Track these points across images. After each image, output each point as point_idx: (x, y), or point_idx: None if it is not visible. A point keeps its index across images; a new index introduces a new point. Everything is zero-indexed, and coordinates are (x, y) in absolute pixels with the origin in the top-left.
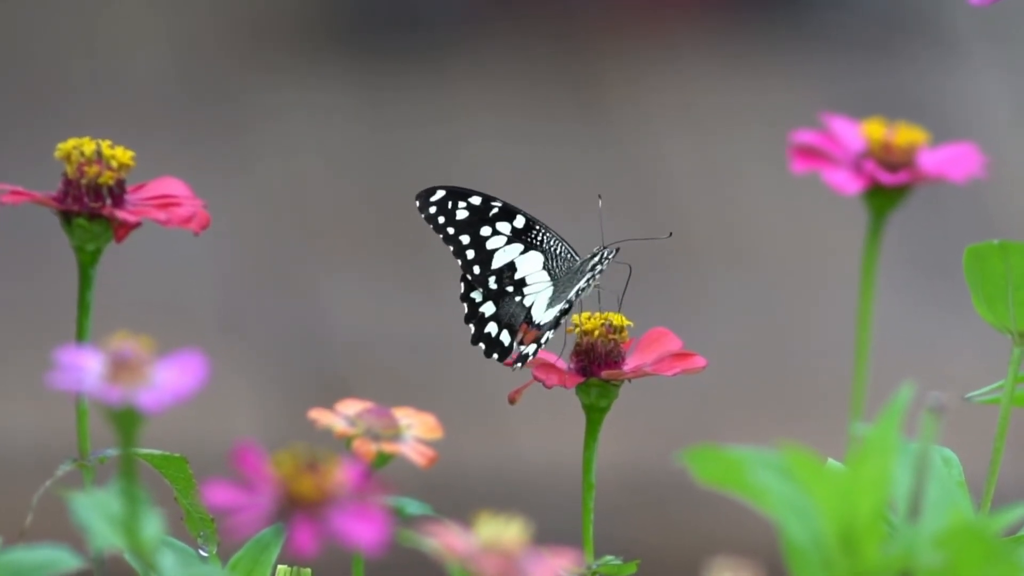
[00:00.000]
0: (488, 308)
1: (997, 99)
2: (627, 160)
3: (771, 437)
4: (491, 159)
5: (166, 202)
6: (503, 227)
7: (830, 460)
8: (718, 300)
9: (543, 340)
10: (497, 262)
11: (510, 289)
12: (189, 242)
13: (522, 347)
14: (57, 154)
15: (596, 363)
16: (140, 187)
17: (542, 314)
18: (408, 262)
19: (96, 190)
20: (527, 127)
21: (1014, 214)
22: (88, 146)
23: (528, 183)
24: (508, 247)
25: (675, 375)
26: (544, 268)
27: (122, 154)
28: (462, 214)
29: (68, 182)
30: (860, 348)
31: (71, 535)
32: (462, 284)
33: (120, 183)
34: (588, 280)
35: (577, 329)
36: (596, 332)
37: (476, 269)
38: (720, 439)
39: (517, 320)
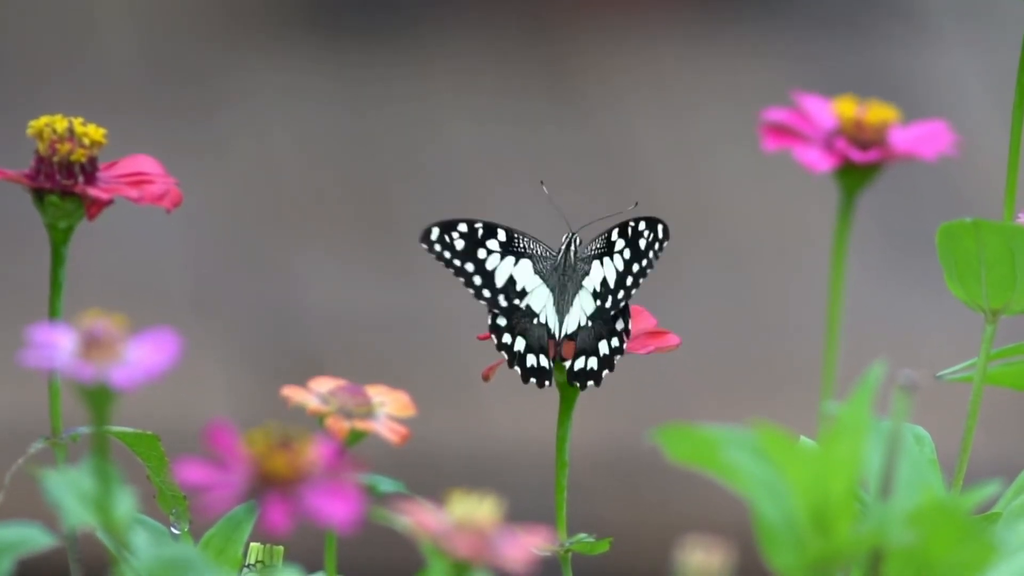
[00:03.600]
0: (520, 344)
1: (968, 77)
2: (599, 140)
3: (744, 416)
4: (464, 140)
5: (138, 180)
6: (492, 244)
7: (802, 439)
8: (690, 279)
9: (614, 354)
10: (499, 280)
11: (517, 302)
12: (162, 220)
13: (566, 363)
14: (29, 131)
15: None
16: (112, 165)
17: (555, 323)
18: (381, 241)
19: (68, 167)
20: (500, 108)
21: (986, 192)
22: (60, 123)
23: (501, 164)
24: (503, 263)
25: (649, 353)
26: (535, 272)
27: (94, 131)
28: (459, 244)
29: (40, 159)
30: (831, 326)
31: (43, 513)
32: (493, 336)
33: (92, 160)
34: (635, 278)
35: None
36: None
37: (486, 293)
38: (693, 418)
39: (545, 341)
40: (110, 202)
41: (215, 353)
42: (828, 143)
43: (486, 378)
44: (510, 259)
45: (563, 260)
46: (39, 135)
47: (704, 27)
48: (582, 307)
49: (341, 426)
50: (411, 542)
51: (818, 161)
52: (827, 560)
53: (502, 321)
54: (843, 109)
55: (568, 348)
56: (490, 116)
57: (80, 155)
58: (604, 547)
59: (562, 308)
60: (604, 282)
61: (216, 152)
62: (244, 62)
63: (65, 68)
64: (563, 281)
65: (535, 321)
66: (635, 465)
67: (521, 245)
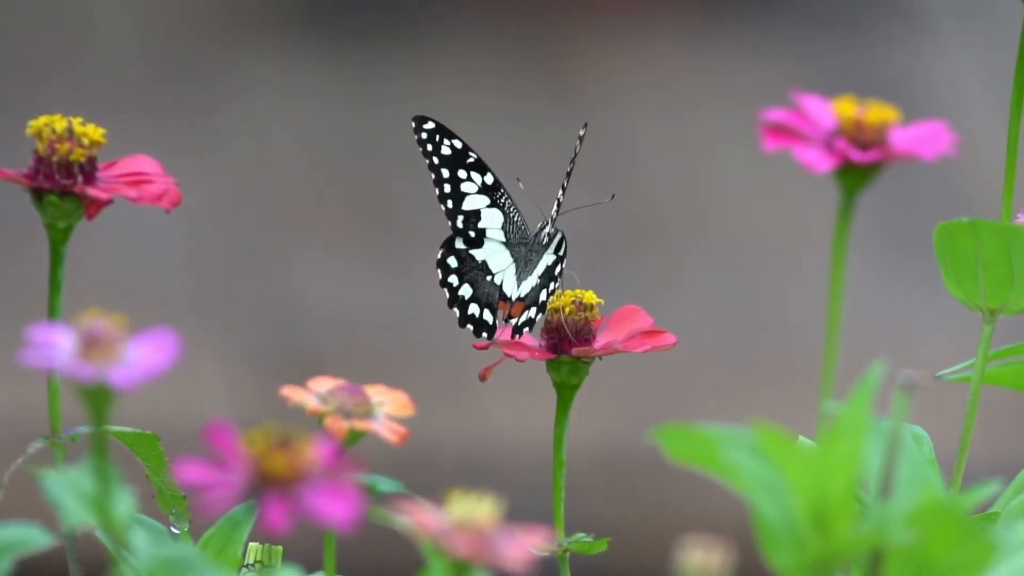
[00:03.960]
0: (466, 291)
1: (967, 77)
2: (598, 139)
3: (743, 415)
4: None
5: (137, 179)
6: (476, 177)
7: (802, 438)
8: (689, 278)
9: (532, 317)
10: (467, 205)
11: (472, 235)
12: (161, 220)
13: (512, 320)
14: (28, 131)
15: (567, 340)
16: (111, 164)
17: (515, 289)
18: (380, 241)
19: (67, 167)
20: (500, 107)
21: (984, 192)
22: (59, 123)
23: (500, 162)
24: (477, 196)
25: (645, 352)
26: (502, 228)
27: (93, 131)
28: (445, 151)
29: (39, 159)
30: (831, 326)
31: (43, 513)
32: (439, 271)
33: (91, 160)
34: (557, 263)
35: (548, 307)
36: (567, 309)
37: (449, 203)
38: (692, 417)
39: (493, 299)
40: (109, 202)
41: (214, 353)
42: (828, 143)
43: (483, 378)
44: (485, 199)
45: (533, 239)
46: (38, 135)
47: (704, 27)
48: (530, 283)
49: (340, 426)
50: (410, 542)
51: (818, 161)
52: (827, 560)
53: (452, 262)
54: (843, 109)
55: (517, 308)
56: (490, 116)
57: (79, 155)
58: (602, 547)
59: (520, 278)
60: (547, 269)
61: (216, 152)
62: (243, 62)
63: (64, 67)
64: (528, 255)
65: (488, 278)
66: (634, 464)
67: (502, 200)
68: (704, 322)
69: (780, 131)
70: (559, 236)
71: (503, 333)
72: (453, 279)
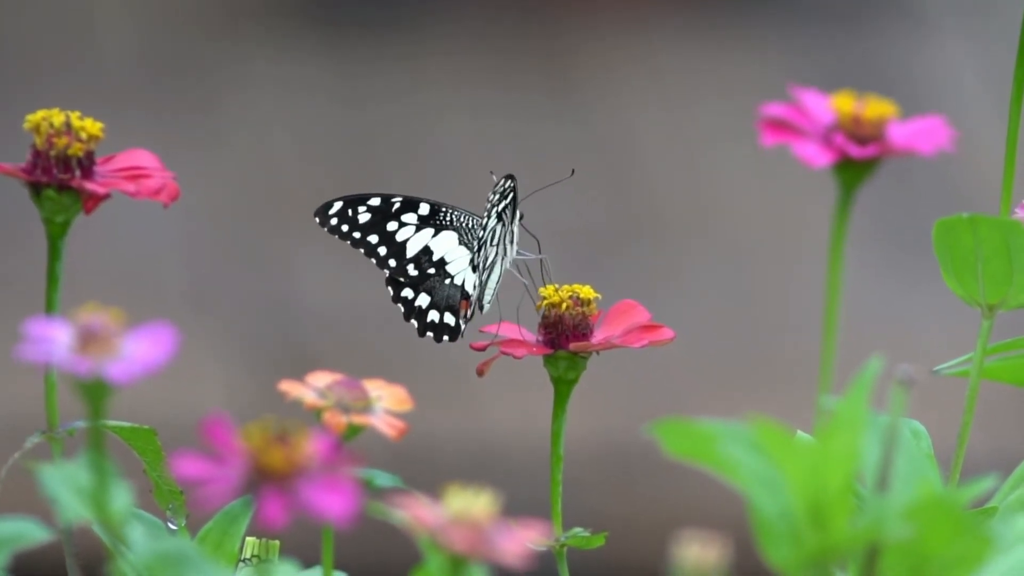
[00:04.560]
0: (423, 300)
1: (965, 72)
2: (597, 133)
3: (740, 410)
4: (462, 133)
5: (135, 174)
6: (409, 218)
7: (799, 433)
8: (687, 273)
9: (474, 309)
10: (411, 250)
11: (431, 271)
12: (159, 215)
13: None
14: (26, 125)
15: (564, 335)
16: (109, 159)
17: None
18: None
19: (65, 161)
20: (498, 101)
21: (983, 187)
22: (57, 117)
23: (498, 157)
24: (418, 235)
25: (643, 347)
26: (461, 243)
27: (91, 125)
28: (364, 217)
29: (37, 153)
30: (829, 321)
31: (40, 507)
32: (389, 288)
33: (89, 154)
34: (499, 247)
35: (545, 302)
36: (564, 304)
37: (392, 263)
38: (689, 412)
39: (455, 300)
40: (107, 196)
41: (212, 348)
42: (826, 138)
43: (481, 373)
44: (428, 231)
45: (479, 239)
46: (36, 129)
47: (702, 21)
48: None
49: (338, 420)
50: (408, 536)
51: (816, 156)
52: (824, 554)
53: (408, 294)
54: (841, 104)
55: (464, 304)
56: (488, 110)
57: (77, 149)
58: (599, 541)
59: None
60: (483, 261)
61: (213, 146)
62: (242, 56)
63: (63, 62)
64: (483, 253)
65: (448, 281)
66: (631, 459)
67: (447, 219)
68: (702, 317)
69: (778, 126)
70: (492, 224)
71: (505, 329)
72: (407, 293)
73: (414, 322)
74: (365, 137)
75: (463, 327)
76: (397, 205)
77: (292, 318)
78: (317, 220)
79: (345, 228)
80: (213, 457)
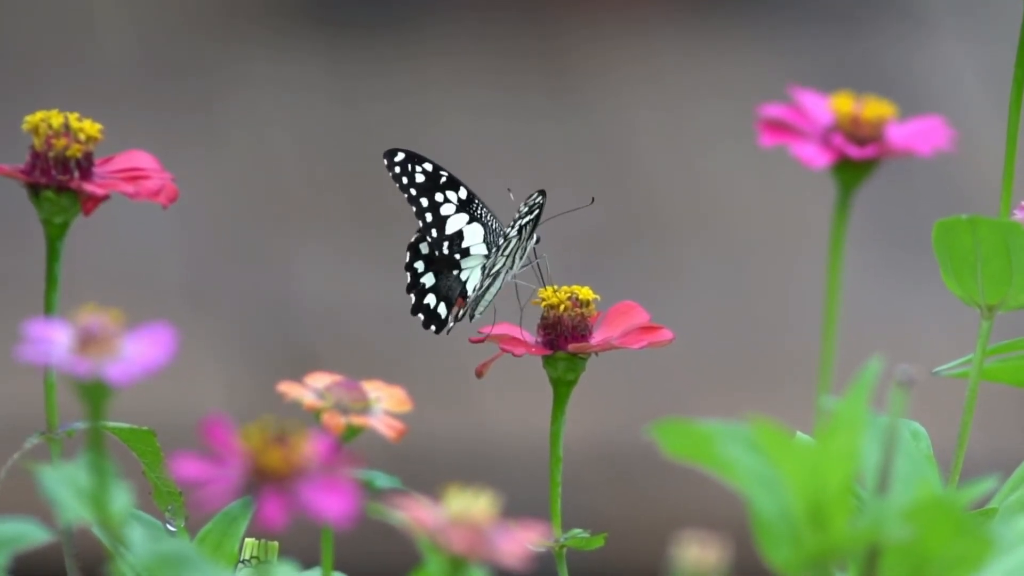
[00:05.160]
0: (428, 279)
1: (965, 73)
2: (596, 134)
3: (740, 410)
4: (461, 133)
5: (134, 175)
6: (452, 196)
7: (799, 434)
8: (687, 274)
9: (466, 312)
10: (450, 228)
11: (458, 257)
12: (157, 215)
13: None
14: (25, 127)
15: (563, 336)
16: (108, 160)
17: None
18: (378, 235)
19: (64, 163)
20: (497, 101)
21: (982, 187)
22: (56, 119)
23: (498, 157)
24: (457, 215)
25: (642, 348)
26: (484, 241)
27: (90, 127)
28: (420, 178)
29: (36, 155)
30: (828, 321)
31: (39, 508)
32: (408, 253)
33: (88, 156)
34: (508, 259)
35: (544, 303)
36: (562, 305)
37: (434, 232)
38: (689, 412)
39: (454, 293)
40: (106, 197)
41: (211, 348)
42: (825, 139)
43: (480, 374)
44: (464, 216)
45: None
46: (35, 130)
47: (701, 21)
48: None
49: (337, 421)
50: (407, 537)
51: (815, 157)
52: (823, 555)
53: (420, 266)
54: (840, 105)
55: (460, 303)
56: (487, 110)
57: (76, 150)
58: (599, 543)
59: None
60: (493, 269)
61: (213, 146)
62: (240, 55)
63: (61, 62)
64: (495, 257)
65: (455, 273)
66: (631, 460)
67: (479, 212)
68: (701, 317)
69: (777, 126)
70: (513, 235)
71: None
72: (419, 264)
73: (412, 296)
74: (364, 137)
75: (451, 324)
76: (444, 179)
77: (292, 318)
78: (384, 162)
79: (405, 180)
80: (212, 458)
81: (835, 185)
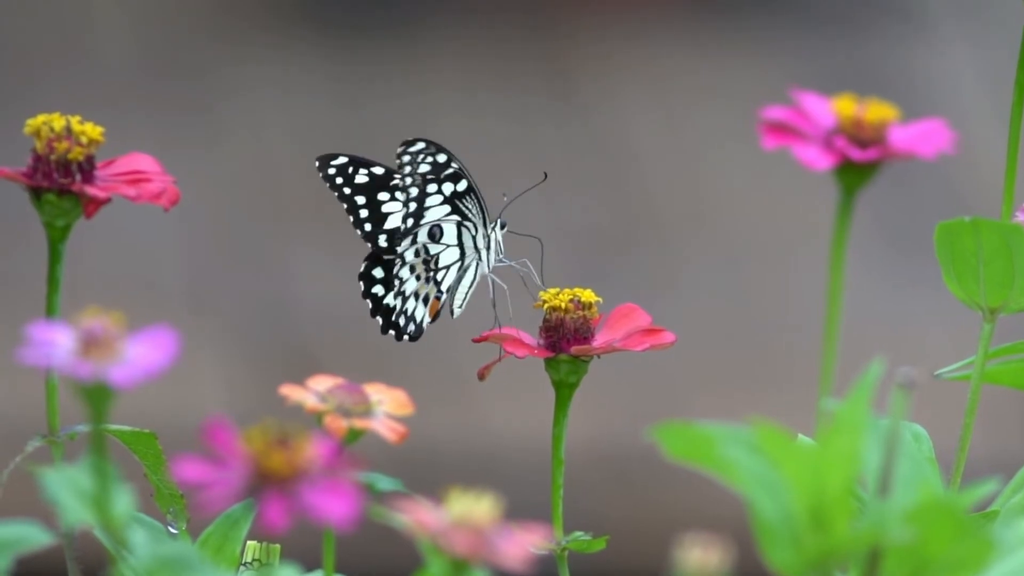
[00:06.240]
0: (391, 299)
1: (966, 75)
2: (596, 136)
3: (741, 413)
4: (461, 135)
5: (136, 178)
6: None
7: (800, 436)
8: (688, 276)
9: (448, 309)
10: (390, 223)
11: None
12: (159, 217)
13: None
14: (26, 130)
15: (565, 339)
16: (110, 163)
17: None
18: None
19: (66, 166)
20: (497, 103)
21: (984, 190)
22: (58, 122)
23: (498, 160)
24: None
25: (644, 350)
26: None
27: (92, 130)
28: (362, 179)
29: (38, 158)
30: (830, 324)
31: (41, 511)
32: (361, 284)
33: (90, 159)
34: (471, 250)
35: (546, 305)
36: (565, 308)
37: (367, 227)
38: (690, 414)
39: (430, 296)
40: (108, 200)
41: (213, 350)
42: (827, 141)
43: (482, 377)
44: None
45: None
46: (37, 133)
47: (702, 24)
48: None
49: (339, 424)
50: (409, 540)
51: (817, 159)
52: (825, 557)
53: (378, 273)
54: (842, 107)
55: (434, 304)
56: (487, 112)
57: (77, 153)
58: (601, 545)
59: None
60: (465, 267)
61: (213, 147)
62: (240, 57)
63: (61, 64)
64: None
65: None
66: (633, 462)
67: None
68: (703, 320)
69: (779, 129)
70: (492, 238)
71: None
72: (378, 289)
73: (378, 319)
74: (364, 138)
75: (425, 326)
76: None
77: (293, 320)
78: (316, 164)
79: (339, 181)
80: (214, 460)
81: (837, 188)
